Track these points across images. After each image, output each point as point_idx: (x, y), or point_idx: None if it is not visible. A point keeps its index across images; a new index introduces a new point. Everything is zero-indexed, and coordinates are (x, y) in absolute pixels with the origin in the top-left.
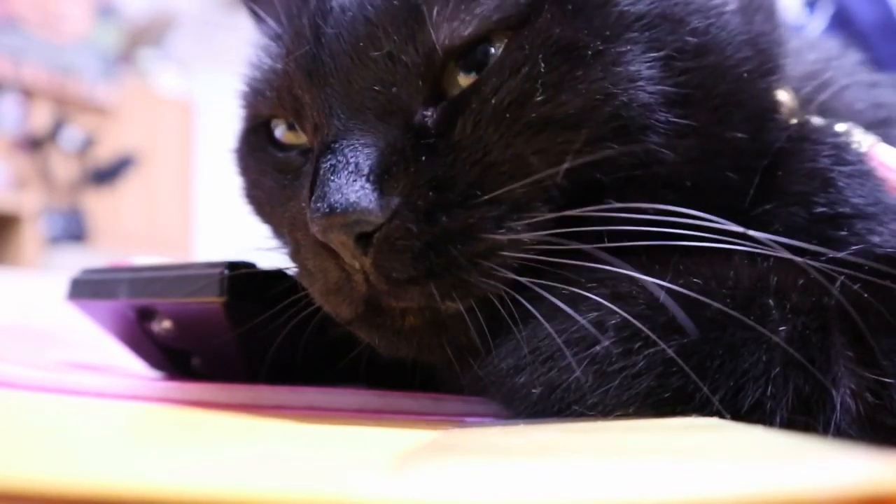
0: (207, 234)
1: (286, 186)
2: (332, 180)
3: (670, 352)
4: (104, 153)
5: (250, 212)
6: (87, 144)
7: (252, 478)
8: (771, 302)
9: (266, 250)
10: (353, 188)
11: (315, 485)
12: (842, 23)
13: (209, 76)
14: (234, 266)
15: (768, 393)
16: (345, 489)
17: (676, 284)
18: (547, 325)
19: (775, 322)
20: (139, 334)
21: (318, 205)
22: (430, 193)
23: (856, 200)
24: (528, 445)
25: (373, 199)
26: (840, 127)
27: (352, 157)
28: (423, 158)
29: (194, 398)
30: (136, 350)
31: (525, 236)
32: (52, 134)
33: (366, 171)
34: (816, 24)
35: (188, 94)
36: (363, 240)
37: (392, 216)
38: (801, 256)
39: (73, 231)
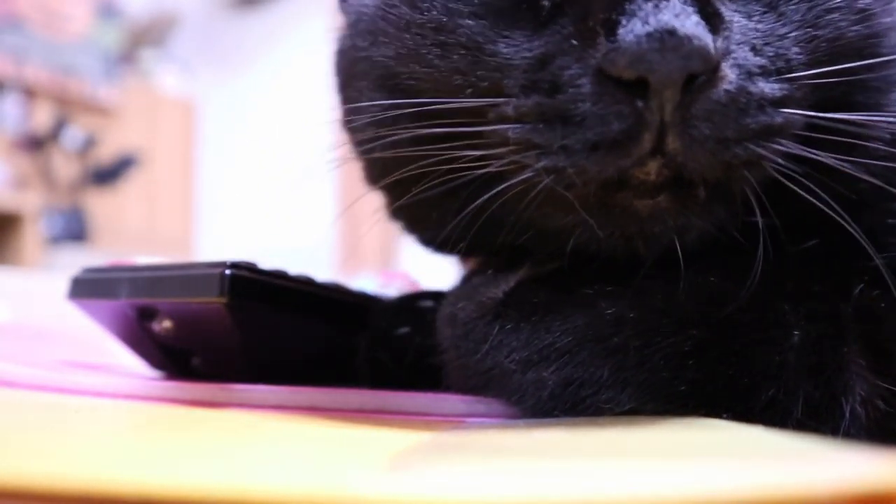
0: (209, 234)
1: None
2: (657, 8)
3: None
4: (106, 153)
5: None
6: (89, 144)
7: (252, 477)
8: (786, 307)
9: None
10: (690, 20)
11: (315, 485)
12: None
13: (211, 76)
14: (235, 266)
15: (780, 396)
16: (345, 489)
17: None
18: (561, 318)
19: (789, 326)
20: (140, 334)
21: (638, 27)
22: (751, 55)
23: None
24: (529, 445)
25: (710, 38)
26: None
27: None
28: (744, 21)
29: (194, 398)
30: (137, 349)
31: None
32: (54, 133)
33: (696, 8)
34: None
35: (190, 94)
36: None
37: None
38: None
39: (74, 231)
